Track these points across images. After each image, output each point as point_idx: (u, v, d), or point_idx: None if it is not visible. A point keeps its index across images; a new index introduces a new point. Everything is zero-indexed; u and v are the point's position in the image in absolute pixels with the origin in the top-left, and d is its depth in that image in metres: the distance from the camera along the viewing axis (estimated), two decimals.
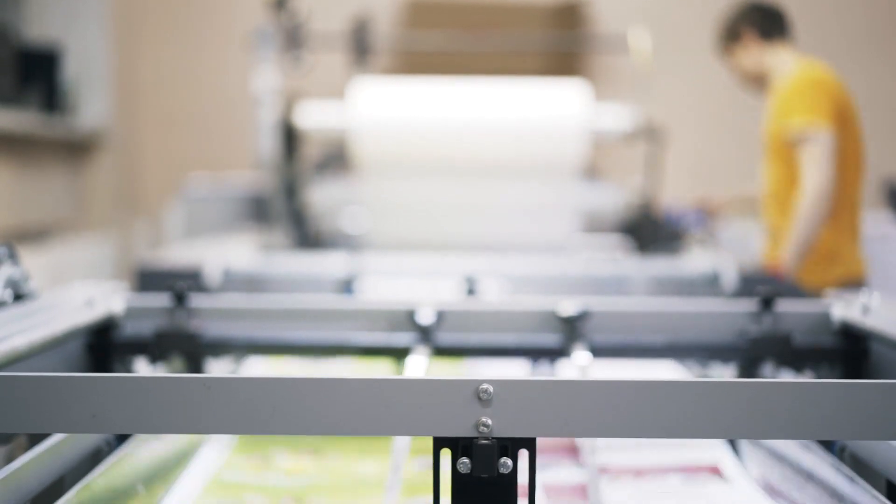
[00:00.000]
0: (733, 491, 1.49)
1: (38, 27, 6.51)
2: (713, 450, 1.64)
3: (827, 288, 3.35)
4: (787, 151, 3.76)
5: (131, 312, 1.83)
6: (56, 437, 1.37)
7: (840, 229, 3.77)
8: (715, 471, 1.56)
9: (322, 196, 4.02)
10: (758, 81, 3.96)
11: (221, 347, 1.83)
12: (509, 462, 1.02)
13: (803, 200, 3.66)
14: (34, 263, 3.09)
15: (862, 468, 1.45)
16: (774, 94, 3.84)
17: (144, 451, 1.59)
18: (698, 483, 1.52)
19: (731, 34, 3.91)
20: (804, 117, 3.67)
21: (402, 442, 1.57)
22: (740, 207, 4.56)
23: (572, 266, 2.98)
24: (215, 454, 1.72)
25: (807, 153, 3.67)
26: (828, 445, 1.56)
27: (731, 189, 4.72)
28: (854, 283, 3.69)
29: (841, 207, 3.75)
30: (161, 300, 1.85)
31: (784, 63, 3.85)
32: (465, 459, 1.02)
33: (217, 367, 1.98)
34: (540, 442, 1.55)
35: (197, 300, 1.86)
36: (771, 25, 3.89)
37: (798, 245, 3.66)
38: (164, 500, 1.51)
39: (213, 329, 1.83)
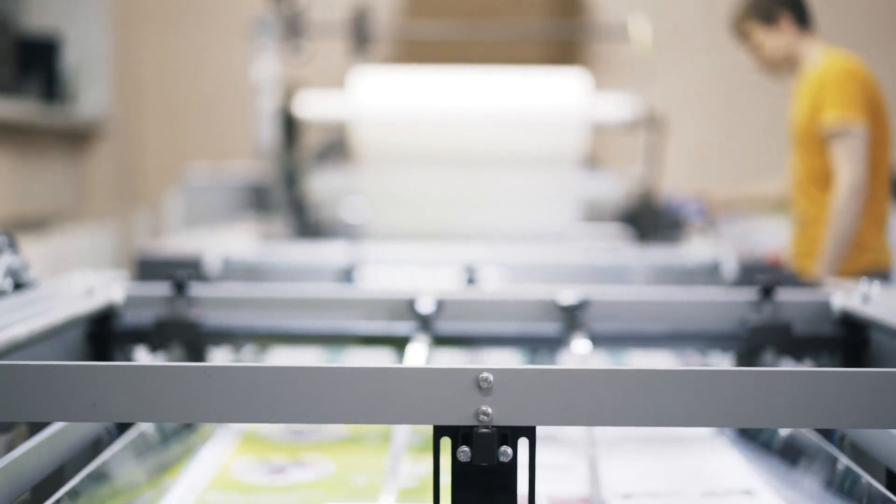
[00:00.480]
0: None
1: (38, 16, 6.50)
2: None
3: (853, 276, 3.35)
4: (816, 143, 3.74)
5: (131, 301, 1.83)
6: (56, 426, 1.37)
7: (867, 218, 3.75)
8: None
9: (322, 185, 4.02)
10: (781, 66, 3.92)
11: (221, 336, 1.83)
12: (509, 450, 1.02)
13: (839, 197, 3.63)
14: (34, 253, 3.09)
15: (861, 457, 1.45)
16: (804, 83, 3.81)
17: (146, 441, 1.59)
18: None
19: (767, 15, 3.86)
20: (838, 112, 3.64)
21: (401, 437, 1.57)
22: (744, 207, 4.55)
23: (572, 255, 2.98)
24: (220, 448, 1.72)
25: (841, 148, 3.64)
26: (827, 434, 1.56)
27: (732, 188, 4.70)
28: (880, 273, 3.67)
29: (869, 197, 3.72)
30: (161, 289, 1.85)
31: (815, 52, 3.83)
32: (465, 448, 1.02)
33: (217, 356, 1.98)
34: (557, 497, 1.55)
35: (197, 289, 1.86)
36: (805, 13, 3.87)
37: (837, 243, 3.64)
38: (170, 491, 1.51)
39: (213, 318, 1.83)
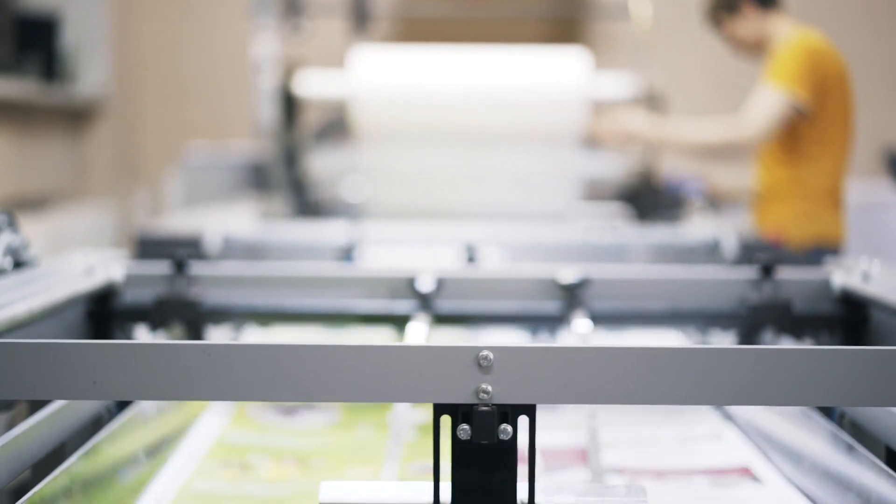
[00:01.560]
0: (769, 493, 1.43)
1: None
2: (740, 450, 1.57)
3: (800, 245, 3.58)
4: None
5: (131, 280, 1.83)
6: (56, 404, 1.37)
7: (819, 192, 3.83)
8: (746, 472, 1.49)
9: (322, 164, 4.01)
10: (756, 49, 3.97)
11: (221, 315, 1.83)
12: (509, 428, 1.02)
13: (728, 128, 3.77)
14: (34, 232, 3.09)
15: (861, 435, 1.46)
16: (771, 60, 3.86)
17: (145, 418, 1.59)
18: (729, 485, 1.46)
19: (729, 5, 3.93)
20: (786, 82, 3.72)
21: (401, 413, 1.58)
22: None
23: (572, 234, 2.98)
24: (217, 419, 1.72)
25: (767, 101, 3.73)
26: (827, 412, 1.56)
27: (735, 180, 4.72)
28: (830, 246, 3.76)
29: (823, 172, 3.81)
30: (161, 268, 1.85)
31: (783, 31, 3.87)
32: (464, 426, 1.02)
33: (217, 335, 1.98)
34: (548, 449, 1.56)
35: (197, 268, 1.86)
36: None
37: (689, 140, 3.80)
38: (168, 463, 1.51)
39: (213, 296, 1.83)
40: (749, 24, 3.90)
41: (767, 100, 3.72)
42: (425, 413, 1.63)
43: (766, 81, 3.79)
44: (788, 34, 3.84)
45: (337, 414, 1.67)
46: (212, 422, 1.61)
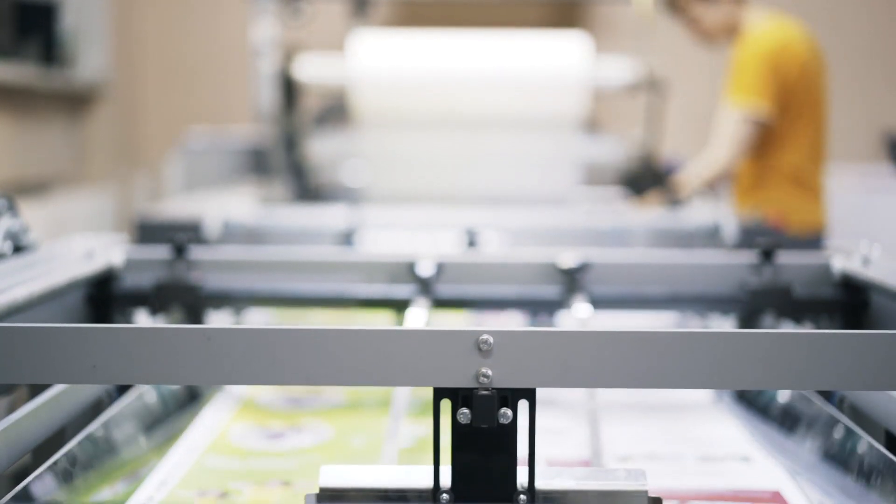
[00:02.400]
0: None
1: None
2: (768, 472, 1.47)
3: None
4: None
5: (131, 264, 1.83)
6: (57, 389, 1.37)
7: (788, 183, 3.87)
8: (777, 498, 1.38)
9: (322, 149, 4.01)
10: (720, 37, 4.00)
11: (221, 299, 1.83)
12: (509, 412, 1.02)
13: (705, 165, 3.89)
14: (34, 216, 3.09)
15: (861, 419, 1.46)
16: (739, 50, 3.89)
17: (145, 403, 1.59)
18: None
19: None
20: (746, 97, 3.81)
21: (401, 401, 1.57)
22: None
23: (572, 218, 2.98)
24: (219, 414, 1.72)
25: (731, 130, 3.84)
26: (827, 396, 1.56)
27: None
28: (812, 234, 3.80)
29: (796, 167, 3.85)
30: (161, 252, 1.84)
31: (755, 19, 3.89)
32: (465, 410, 1.02)
33: (217, 319, 1.98)
34: (554, 457, 1.54)
35: (197, 252, 1.86)
36: None
37: (702, 183, 3.88)
38: (168, 455, 1.51)
39: (213, 281, 1.83)
40: (721, 10, 3.90)
41: (731, 127, 3.83)
42: (423, 428, 1.61)
43: (729, 96, 3.88)
44: (759, 26, 3.86)
45: (327, 432, 1.65)
46: (190, 447, 1.57)
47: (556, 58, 3.74)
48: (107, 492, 1.34)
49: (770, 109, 3.77)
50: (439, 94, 3.70)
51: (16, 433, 1.24)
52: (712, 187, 3.95)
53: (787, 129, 3.84)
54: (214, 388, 1.83)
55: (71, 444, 1.31)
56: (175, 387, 1.69)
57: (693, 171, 3.91)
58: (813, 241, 3.52)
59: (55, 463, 1.25)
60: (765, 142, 3.85)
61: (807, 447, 1.49)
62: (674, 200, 3.60)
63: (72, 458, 1.29)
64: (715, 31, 3.96)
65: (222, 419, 1.68)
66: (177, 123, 6.79)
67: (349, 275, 1.83)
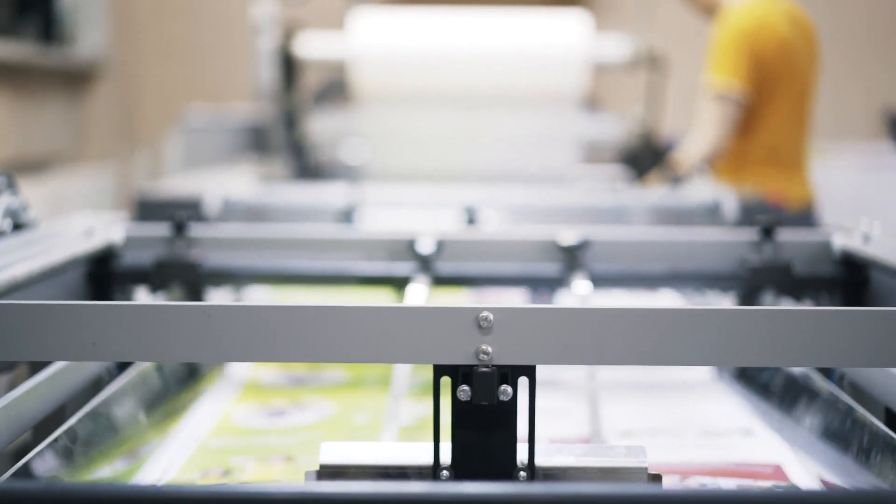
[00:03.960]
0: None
1: None
2: (769, 446, 1.48)
3: None
4: None
5: (131, 242, 1.83)
6: (57, 366, 1.37)
7: (762, 163, 3.87)
8: (778, 472, 1.39)
9: (322, 126, 4.00)
10: (707, 12, 4.00)
11: (221, 277, 1.83)
12: (509, 390, 1.02)
13: (689, 150, 3.84)
14: (33, 194, 3.09)
15: (861, 396, 1.46)
16: (717, 28, 3.88)
17: (146, 381, 1.59)
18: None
19: None
20: (721, 77, 3.80)
21: (401, 379, 1.57)
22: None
23: (572, 196, 2.97)
24: (222, 398, 1.72)
25: (709, 111, 3.82)
26: (827, 373, 1.56)
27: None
28: (803, 208, 3.81)
29: (763, 145, 3.86)
30: (161, 230, 1.84)
31: None
32: (465, 387, 1.02)
33: (217, 297, 1.98)
34: (555, 435, 1.54)
35: (197, 230, 1.86)
36: None
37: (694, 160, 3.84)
38: (171, 438, 1.51)
39: (212, 258, 1.83)
40: None
41: (710, 111, 3.81)
42: (424, 407, 1.62)
43: (706, 74, 3.88)
44: (732, 5, 3.86)
45: (329, 409, 1.66)
46: (193, 432, 1.57)
47: (556, 35, 3.73)
48: (106, 469, 1.34)
49: (743, 87, 3.76)
50: (439, 72, 3.69)
51: (16, 410, 1.24)
52: (704, 168, 3.94)
53: (763, 106, 3.83)
54: (216, 371, 1.83)
55: (71, 422, 1.31)
56: (174, 363, 1.69)
57: (681, 157, 3.90)
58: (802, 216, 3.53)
59: (56, 440, 1.25)
60: (740, 121, 3.84)
61: (807, 424, 1.49)
62: (675, 179, 3.59)
63: (72, 436, 1.29)
64: (701, 5, 3.97)
65: (225, 403, 1.68)
66: (176, 101, 6.78)
67: (349, 252, 1.83)
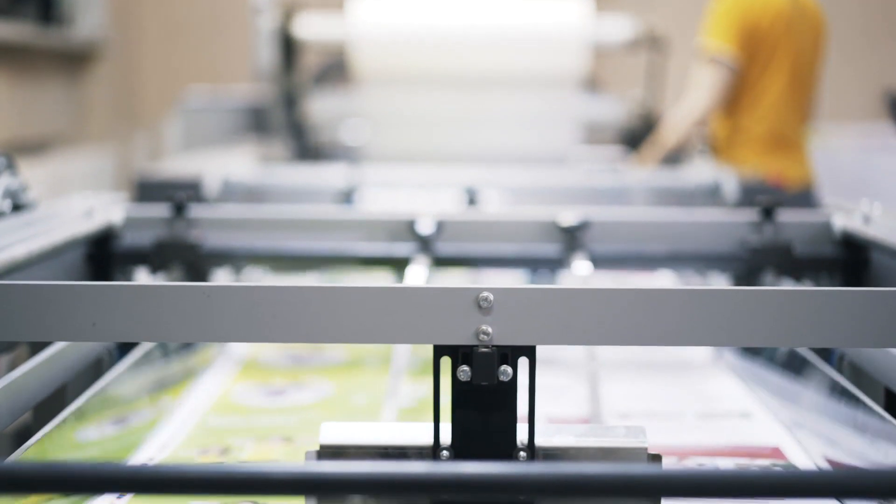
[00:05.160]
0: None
1: None
2: (768, 428, 1.48)
3: None
4: None
5: (131, 223, 1.83)
6: (57, 346, 1.37)
7: (758, 141, 3.85)
8: (777, 453, 1.40)
9: (322, 107, 4.00)
10: None
11: (221, 257, 1.83)
12: (509, 370, 1.02)
13: (680, 114, 3.81)
14: (33, 175, 3.08)
15: (860, 376, 1.46)
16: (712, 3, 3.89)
17: (147, 360, 1.59)
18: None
19: None
20: (711, 39, 3.79)
21: (401, 360, 1.57)
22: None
23: (573, 177, 2.97)
24: (221, 376, 1.72)
25: (703, 73, 3.79)
26: (826, 354, 1.56)
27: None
28: (802, 186, 3.79)
29: (761, 121, 3.83)
30: (160, 210, 1.84)
31: None
32: (465, 367, 1.02)
33: (217, 278, 1.98)
34: (554, 414, 1.54)
35: (196, 210, 1.86)
36: None
37: (680, 132, 3.81)
38: (170, 415, 1.51)
39: (212, 239, 1.83)
40: None
41: (703, 73, 3.78)
42: (424, 388, 1.62)
43: (699, 39, 3.86)
44: None
45: (328, 389, 1.66)
46: (193, 409, 1.57)
47: (557, 16, 3.72)
48: (92, 430, 1.34)
49: (734, 52, 3.74)
50: (439, 53, 3.69)
51: (17, 390, 1.24)
52: (693, 135, 3.91)
53: (756, 79, 3.81)
54: (216, 350, 1.83)
55: (73, 403, 1.31)
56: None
57: (672, 120, 3.87)
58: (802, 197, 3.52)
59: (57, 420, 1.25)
60: (736, 97, 3.81)
61: (805, 405, 1.49)
62: (672, 158, 3.59)
63: (74, 415, 1.29)
64: None
65: (224, 381, 1.68)
66: (176, 82, 6.76)
67: (349, 233, 1.83)
